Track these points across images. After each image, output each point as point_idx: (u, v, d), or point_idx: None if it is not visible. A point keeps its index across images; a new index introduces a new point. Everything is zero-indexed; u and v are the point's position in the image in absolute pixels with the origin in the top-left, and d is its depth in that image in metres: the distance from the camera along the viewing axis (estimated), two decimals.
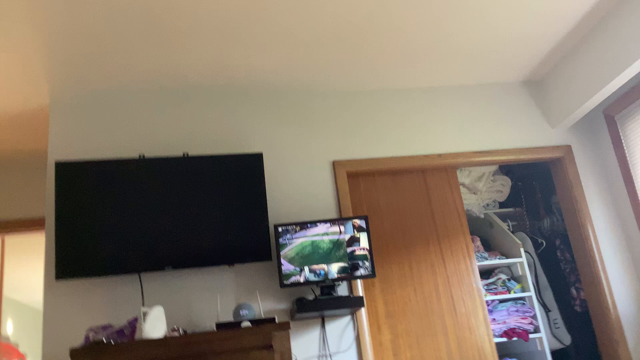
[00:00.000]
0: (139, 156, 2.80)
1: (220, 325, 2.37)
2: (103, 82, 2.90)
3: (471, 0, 2.59)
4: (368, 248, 2.77)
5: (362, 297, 2.68)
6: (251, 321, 2.40)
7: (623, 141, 3.25)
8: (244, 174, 2.86)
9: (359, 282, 2.94)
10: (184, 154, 2.87)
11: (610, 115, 3.33)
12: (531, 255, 3.74)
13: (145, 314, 2.26)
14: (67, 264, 2.57)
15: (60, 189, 2.66)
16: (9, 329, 6.58)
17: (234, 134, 3.11)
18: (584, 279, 3.26)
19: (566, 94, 3.25)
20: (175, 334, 2.31)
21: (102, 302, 2.69)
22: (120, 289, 2.73)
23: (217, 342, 2.21)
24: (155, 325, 2.25)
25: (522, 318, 3.37)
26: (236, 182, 2.84)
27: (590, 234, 3.23)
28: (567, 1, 2.70)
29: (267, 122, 3.18)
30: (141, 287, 2.73)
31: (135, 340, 2.18)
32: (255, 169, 2.88)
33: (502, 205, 4.04)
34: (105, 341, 2.17)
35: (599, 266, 3.16)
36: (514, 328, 3.33)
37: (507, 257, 3.60)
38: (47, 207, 2.80)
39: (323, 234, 2.77)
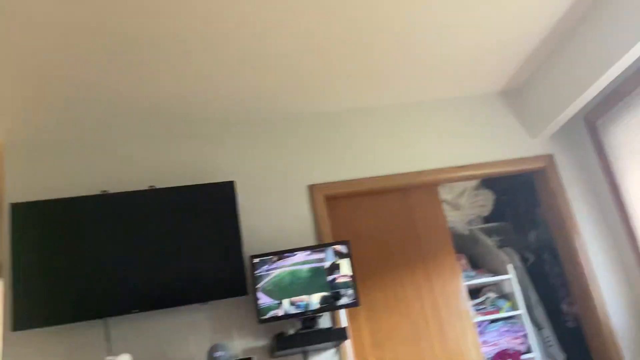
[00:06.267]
0: (101, 192, 2.63)
1: None
2: (61, 123, 2.72)
3: (440, 15, 2.49)
4: (351, 274, 2.62)
5: (344, 329, 2.52)
6: None
7: (606, 147, 3.16)
8: (215, 205, 2.70)
9: (342, 311, 2.78)
10: (149, 187, 2.71)
11: (591, 121, 3.24)
12: (520, 271, 3.62)
13: None
14: (25, 314, 2.37)
15: (16, 232, 2.47)
16: None
17: (203, 164, 2.96)
18: (575, 292, 3.14)
19: (545, 102, 3.16)
20: None
21: (66, 352, 2.49)
22: (85, 336, 2.53)
23: None
24: None
25: (514, 338, 3.23)
26: (207, 213, 2.68)
27: (578, 244, 3.11)
28: (540, 7, 2.62)
29: (237, 150, 3.03)
30: (106, 333, 2.54)
31: None
32: (227, 198, 2.73)
33: (486, 220, 3.92)
34: None
35: (589, 278, 3.05)
36: (506, 349, 3.19)
37: (495, 275, 3.47)
38: (2, 253, 2.61)
39: (302, 262, 2.62)
